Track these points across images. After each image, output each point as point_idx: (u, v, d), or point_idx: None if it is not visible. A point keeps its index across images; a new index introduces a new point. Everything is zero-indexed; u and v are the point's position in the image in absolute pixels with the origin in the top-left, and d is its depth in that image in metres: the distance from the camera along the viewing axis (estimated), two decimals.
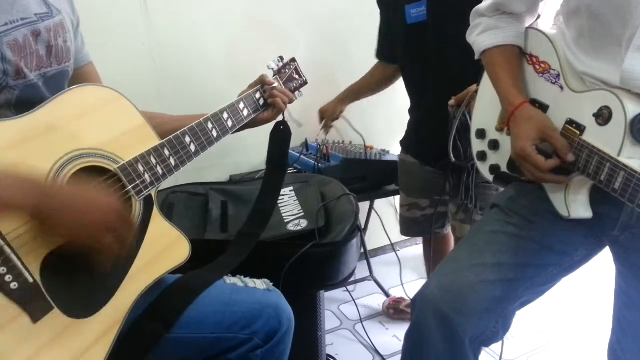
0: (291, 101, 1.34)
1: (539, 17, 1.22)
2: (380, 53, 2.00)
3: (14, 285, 0.76)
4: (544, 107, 1.10)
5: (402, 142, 1.98)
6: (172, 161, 1.03)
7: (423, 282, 1.55)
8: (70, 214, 0.79)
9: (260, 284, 1.15)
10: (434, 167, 1.83)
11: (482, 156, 1.26)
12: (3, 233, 0.76)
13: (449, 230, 2.01)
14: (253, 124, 1.27)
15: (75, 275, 0.84)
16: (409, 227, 2.03)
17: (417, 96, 1.86)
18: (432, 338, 1.08)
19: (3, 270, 0.75)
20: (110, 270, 0.87)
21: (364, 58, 2.04)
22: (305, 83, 1.45)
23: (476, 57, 1.22)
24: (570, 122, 1.03)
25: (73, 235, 0.80)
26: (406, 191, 1.99)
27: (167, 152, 1.03)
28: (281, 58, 1.41)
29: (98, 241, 0.81)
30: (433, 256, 2.10)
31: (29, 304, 0.77)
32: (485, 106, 1.25)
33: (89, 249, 0.81)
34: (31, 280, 0.78)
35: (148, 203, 0.99)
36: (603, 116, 0.96)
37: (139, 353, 0.95)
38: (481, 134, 1.27)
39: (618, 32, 0.93)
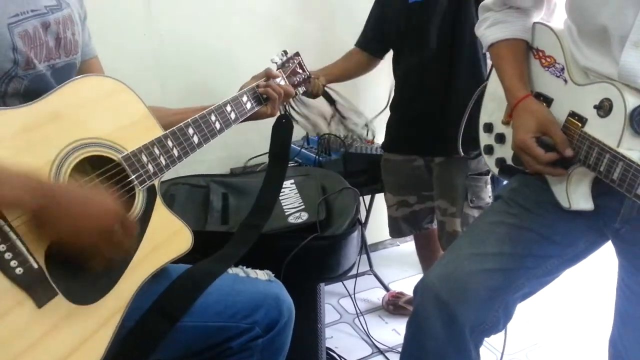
0: (289, 96, 1.33)
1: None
2: (363, 43, 1.93)
3: (19, 271, 0.76)
4: (548, 101, 1.11)
5: (386, 143, 1.95)
6: (175, 152, 1.04)
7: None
8: (69, 217, 0.80)
9: (262, 274, 1.16)
10: (427, 156, 1.81)
11: (489, 150, 1.27)
12: (9, 219, 0.76)
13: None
14: (255, 117, 1.27)
15: (79, 262, 0.84)
16: (399, 226, 1.98)
17: (413, 79, 1.78)
18: (433, 326, 1.09)
19: (9, 255, 0.76)
20: (102, 267, 0.87)
21: None
22: (309, 77, 1.45)
23: (483, 51, 1.24)
24: (573, 114, 1.04)
25: (69, 237, 0.81)
26: (392, 190, 1.96)
27: (170, 143, 1.03)
28: (285, 52, 1.41)
29: (94, 245, 0.82)
30: (423, 252, 2.11)
31: (33, 289, 0.78)
32: (493, 100, 1.26)
33: (84, 250, 0.83)
34: (36, 266, 0.79)
35: (151, 193, 1.00)
36: (604, 108, 0.96)
37: (146, 349, 0.96)
38: (488, 127, 1.27)
39: (605, 26, 0.94)
